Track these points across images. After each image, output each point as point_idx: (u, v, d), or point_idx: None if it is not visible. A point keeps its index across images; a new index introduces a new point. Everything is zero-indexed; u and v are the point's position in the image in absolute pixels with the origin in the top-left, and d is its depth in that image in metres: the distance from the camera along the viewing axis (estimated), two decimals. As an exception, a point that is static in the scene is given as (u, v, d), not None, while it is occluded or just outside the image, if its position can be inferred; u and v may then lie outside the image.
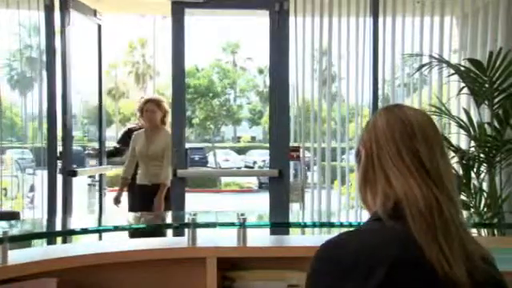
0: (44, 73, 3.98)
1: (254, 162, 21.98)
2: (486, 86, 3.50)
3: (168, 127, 4.52)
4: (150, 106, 4.58)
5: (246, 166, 22.41)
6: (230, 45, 28.45)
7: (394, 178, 1.02)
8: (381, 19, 4.21)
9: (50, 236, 1.72)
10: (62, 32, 3.96)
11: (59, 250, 1.63)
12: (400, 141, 1.04)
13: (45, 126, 3.98)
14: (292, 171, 4.33)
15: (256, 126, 29.08)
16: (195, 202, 4.52)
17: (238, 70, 28.25)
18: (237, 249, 1.64)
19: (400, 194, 1.00)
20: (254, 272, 1.72)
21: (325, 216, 3.19)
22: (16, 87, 5.10)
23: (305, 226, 1.99)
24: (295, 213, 3.95)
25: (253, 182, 17.30)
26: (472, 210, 3.56)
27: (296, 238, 2.11)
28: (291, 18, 4.15)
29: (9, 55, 4.27)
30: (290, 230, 3.16)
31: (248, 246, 1.65)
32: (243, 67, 28.58)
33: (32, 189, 5.19)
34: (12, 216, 3.59)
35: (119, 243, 1.64)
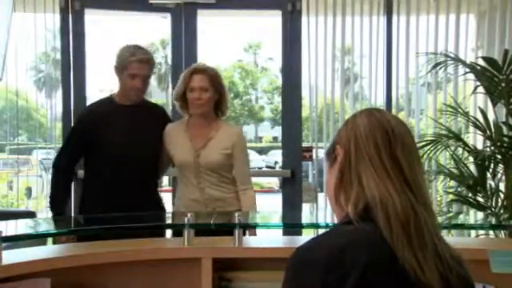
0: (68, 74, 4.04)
1: (276, 162, 21.92)
2: (502, 84, 3.43)
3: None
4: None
5: (268, 166, 22.38)
6: (252, 45, 28.50)
7: (371, 180, 1.01)
8: (395, 18, 4.17)
9: (42, 237, 1.74)
10: (76, 33, 4.01)
11: (54, 249, 1.66)
12: (381, 145, 1.03)
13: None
14: (313, 171, 4.33)
15: (278, 126, 29.03)
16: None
17: (259, 70, 28.29)
18: (232, 249, 1.64)
19: (374, 196, 0.99)
20: (252, 273, 1.71)
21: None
22: (43, 89, 5.21)
23: (301, 227, 1.98)
24: (307, 213, 3.94)
25: (273, 181, 17.29)
26: (488, 211, 3.49)
27: (304, 239, 2.09)
28: (304, 18, 4.13)
29: (35, 57, 4.38)
30: (304, 230, 3.16)
31: (243, 246, 1.64)
32: (265, 67, 28.60)
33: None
34: (28, 215, 3.67)
35: (113, 243, 1.65)
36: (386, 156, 1.02)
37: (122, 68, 2.68)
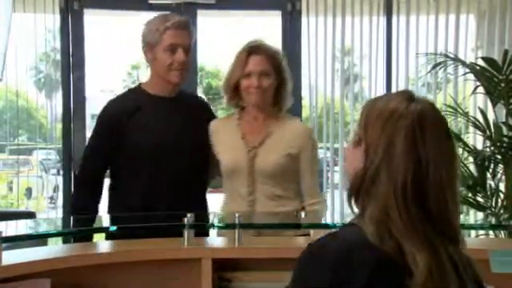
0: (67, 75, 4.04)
1: (276, 163, 21.93)
2: (502, 85, 3.43)
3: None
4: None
5: (268, 167, 22.40)
6: (252, 45, 28.51)
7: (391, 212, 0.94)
8: (395, 18, 4.17)
9: (42, 237, 1.74)
10: (76, 33, 4.01)
11: (55, 250, 1.66)
12: (405, 156, 0.95)
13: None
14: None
15: (278, 126, 28.94)
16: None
17: (259, 71, 28.30)
18: (232, 249, 1.63)
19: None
20: (252, 273, 1.71)
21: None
22: (43, 89, 5.23)
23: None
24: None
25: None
26: (488, 211, 3.50)
27: (304, 239, 2.08)
28: (304, 19, 4.13)
29: (35, 58, 4.39)
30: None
31: (244, 246, 1.64)
32: (265, 67, 28.67)
33: (55, 189, 5.31)
34: (28, 216, 3.66)
35: (114, 244, 1.65)
36: (413, 202, 0.94)
37: (154, 43, 2.09)
